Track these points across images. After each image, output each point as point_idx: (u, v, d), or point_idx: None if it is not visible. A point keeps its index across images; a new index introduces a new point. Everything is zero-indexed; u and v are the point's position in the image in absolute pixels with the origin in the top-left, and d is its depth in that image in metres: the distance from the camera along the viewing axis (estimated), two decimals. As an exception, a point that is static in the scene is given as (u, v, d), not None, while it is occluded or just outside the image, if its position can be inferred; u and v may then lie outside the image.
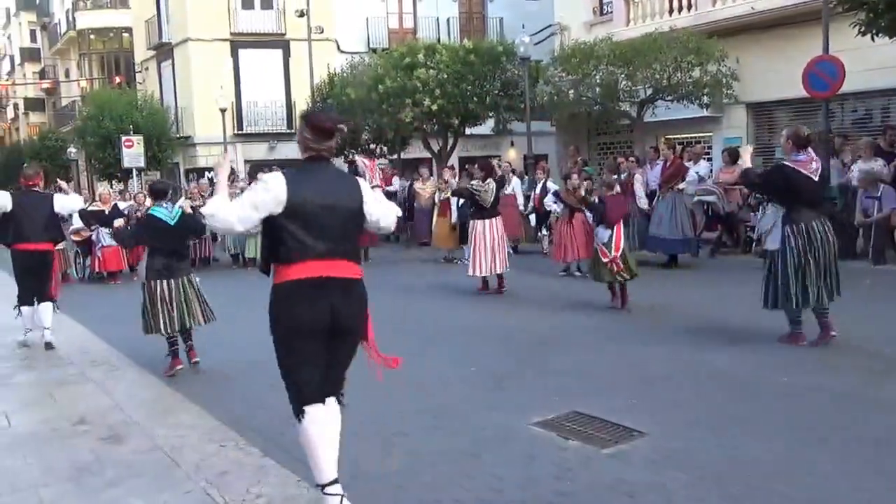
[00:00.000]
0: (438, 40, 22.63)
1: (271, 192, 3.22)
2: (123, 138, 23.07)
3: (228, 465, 4.08)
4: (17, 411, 5.20)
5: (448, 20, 27.35)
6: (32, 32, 50.64)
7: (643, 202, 11.34)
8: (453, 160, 21.50)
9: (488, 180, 9.50)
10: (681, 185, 11.23)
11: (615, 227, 8.18)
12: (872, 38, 10.08)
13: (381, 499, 3.73)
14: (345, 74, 21.25)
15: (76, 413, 5.09)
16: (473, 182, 9.68)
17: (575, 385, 5.44)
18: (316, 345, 3.29)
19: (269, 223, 3.26)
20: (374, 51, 23.14)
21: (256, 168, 24.11)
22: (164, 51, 28.26)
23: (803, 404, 4.80)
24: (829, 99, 12.00)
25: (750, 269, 10.91)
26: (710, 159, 14.53)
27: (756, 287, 9.41)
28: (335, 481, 3.30)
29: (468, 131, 20.81)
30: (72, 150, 33.19)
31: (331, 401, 3.39)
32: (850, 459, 3.90)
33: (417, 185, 16.04)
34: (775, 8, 14.55)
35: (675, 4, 16.61)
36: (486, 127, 21.13)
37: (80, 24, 36.57)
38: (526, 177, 16.29)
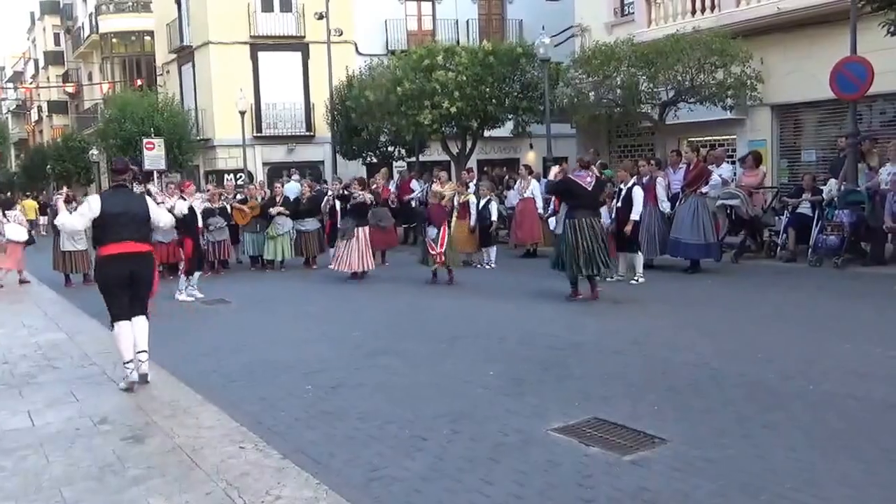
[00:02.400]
0: (457, 42, 22.61)
1: (92, 208, 5.76)
2: (145, 141, 23.28)
3: (248, 466, 4.07)
4: (40, 411, 5.23)
5: (467, 22, 27.34)
6: (56, 36, 51.37)
7: (665, 206, 11.21)
8: (472, 162, 21.47)
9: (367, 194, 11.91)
10: (704, 189, 11.10)
11: (441, 229, 10.78)
12: (902, 39, 9.90)
13: (399, 502, 3.70)
14: (363, 77, 21.27)
15: (98, 413, 5.11)
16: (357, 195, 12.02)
17: (596, 390, 5.38)
18: (121, 289, 5.76)
19: (95, 223, 5.76)
20: (393, 53, 23.14)
21: (275, 171, 24.32)
22: (184, 54, 28.50)
23: (834, 413, 4.69)
24: (857, 101, 11.81)
25: (774, 273, 10.79)
26: (733, 162, 14.34)
27: (781, 293, 9.31)
28: (131, 360, 5.69)
29: (487, 133, 20.74)
30: (94, 152, 33.60)
31: (140, 318, 5.84)
32: (882, 470, 3.80)
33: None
34: (801, 8, 14.33)
35: (699, 5, 16.42)
36: (506, 129, 21.05)
37: (103, 27, 37.02)
38: (545, 179, 16.22)
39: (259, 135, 26.23)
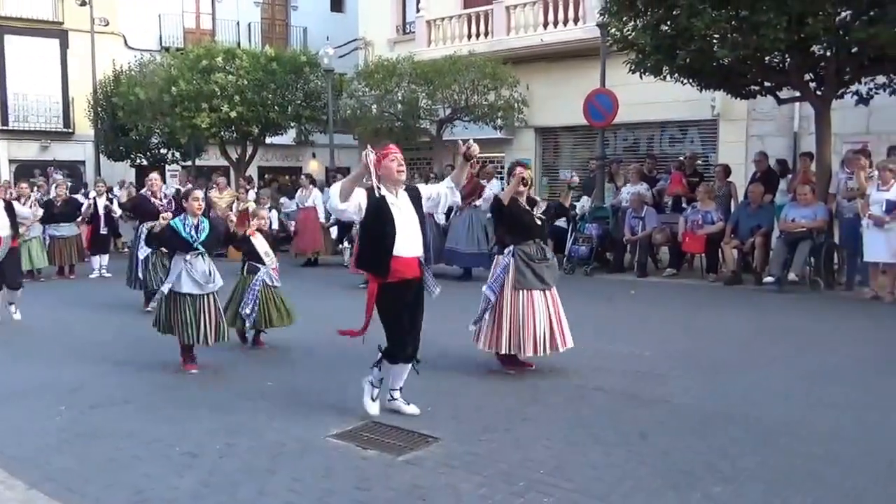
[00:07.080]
0: (238, 45, 21.91)
1: None
2: None
3: (-14, 500, 3.63)
4: None
5: (249, 25, 26.57)
6: None
7: (440, 217, 11.78)
8: (252, 169, 20.88)
9: None
10: (478, 202, 11.83)
11: None
12: (641, 77, 11.35)
13: (168, 524, 3.53)
14: (133, 72, 19.84)
15: None
16: None
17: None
18: None
19: None
20: (168, 50, 21.86)
21: (24, 169, 21.71)
22: None
23: (584, 404, 5.26)
24: (604, 128, 13.33)
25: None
26: (502, 178, 15.43)
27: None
28: None
29: (269, 140, 20.32)
30: None
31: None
32: (617, 452, 4.33)
33: (213, 195, 15.32)
34: (560, 42, 15.91)
35: (474, 30, 17.54)
36: (288, 137, 20.77)
37: None
38: (327, 189, 16.25)
39: (5, 128, 23.32)
